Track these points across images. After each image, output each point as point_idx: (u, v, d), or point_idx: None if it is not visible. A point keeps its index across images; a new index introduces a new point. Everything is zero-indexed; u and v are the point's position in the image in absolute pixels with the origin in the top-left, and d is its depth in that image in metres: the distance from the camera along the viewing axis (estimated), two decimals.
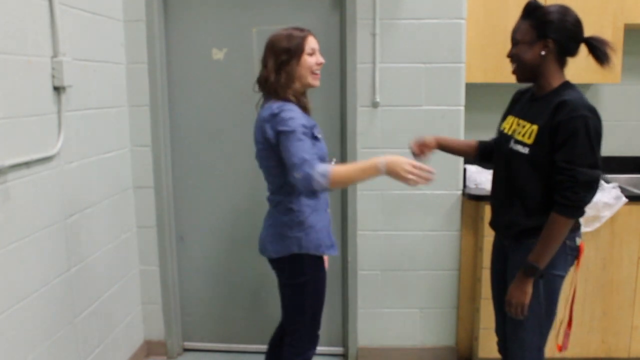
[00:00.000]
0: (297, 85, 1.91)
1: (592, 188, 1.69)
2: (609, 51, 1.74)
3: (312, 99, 2.71)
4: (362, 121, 2.67)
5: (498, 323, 2.10)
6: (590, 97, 3.09)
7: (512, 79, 1.93)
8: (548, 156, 1.72)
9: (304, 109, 1.95)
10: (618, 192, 2.54)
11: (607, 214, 2.51)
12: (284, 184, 1.90)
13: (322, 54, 1.96)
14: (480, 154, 2.13)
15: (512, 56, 1.83)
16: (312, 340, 2.06)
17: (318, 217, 1.95)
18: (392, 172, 1.75)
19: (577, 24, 1.75)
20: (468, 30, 2.61)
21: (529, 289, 1.77)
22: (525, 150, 1.77)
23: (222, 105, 2.79)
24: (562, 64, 1.79)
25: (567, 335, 2.02)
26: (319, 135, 1.93)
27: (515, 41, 1.81)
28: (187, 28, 2.75)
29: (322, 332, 2.89)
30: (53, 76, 2.03)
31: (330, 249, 2.00)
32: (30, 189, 1.92)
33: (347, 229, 2.75)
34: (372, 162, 1.77)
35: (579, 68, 2.73)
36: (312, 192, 1.90)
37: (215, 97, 2.78)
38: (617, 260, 2.61)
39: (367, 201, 2.72)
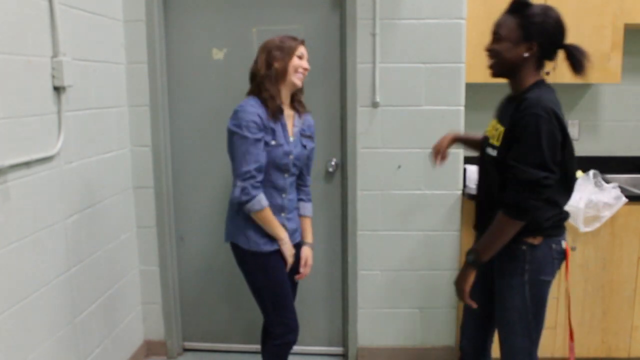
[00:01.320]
0: (281, 84, 2.04)
1: (534, 189, 1.62)
2: (585, 62, 1.71)
3: (312, 99, 2.72)
4: (362, 121, 2.66)
5: (467, 324, 2.04)
6: (590, 97, 3.11)
7: None
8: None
9: (295, 107, 2.12)
10: (618, 192, 2.54)
11: (607, 214, 2.51)
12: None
13: (317, 56, 2.07)
14: None
15: (492, 51, 1.77)
16: (286, 325, 2.12)
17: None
18: (287, 249, 2.09)
19: (559, 29, 1.71)
20: (468, 30, 2.60)
21: (470, 278, 1.77)
22: (494, 153, 1.75)
23: (222, 105, 2.78)
24: (539, 65, 1.76)
25: (571, 349, 1.96)
26: (273, 142, 2.01)
27: (498, 36, 1.74)
28: (187, 28, 2.75)
29: (322, 331, 2.91)
30: (53, 76, 2.03)
31: (260, 246, 2.05)
32: (30, 189, 1.92)
33: (347, 229, 2.75)
34: (282, 230, 2.06)
35: None
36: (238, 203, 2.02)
37: (215, 97, 2.78)
38: (617, 260, 2.61)
39: (367, 201, 2.72)
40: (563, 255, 1.79)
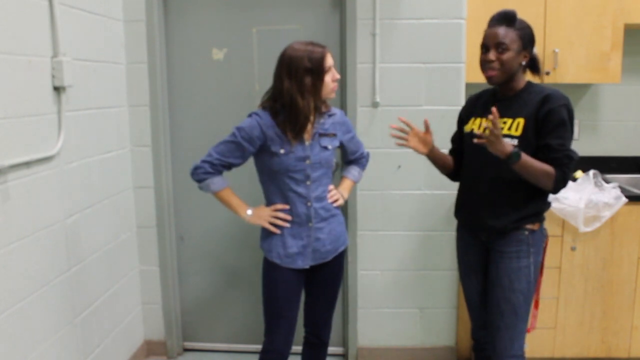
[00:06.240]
0: (312, 102, 1.90)
1: (574, 166, 1.89)
2: (541, 65, 2.01)
3: None
4: (362, 121, 2.66)
5: (476, 326, 2.16)
6: (590, 97, 3.11)
7: None
8: (534, 142, 1.84)
9: (319, 111, 1.97)
10: (618, 192, 2.54)
11: (607, 214, 2.51)
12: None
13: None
14: (454, 171, 2.17)
15: (499, 61, 1.86)
16: (268, 339, 2.06)
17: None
18: (256, 220, 2.01)
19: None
20: (468, 30, 2.60)
21: (504, 150, 1.76)
22: (515, 142, 1.85)
23: (222, 105, 2.79)
24: (525, 69, 1.98)
25: (534, 316, 2.13)
26: (282, 151, 1.92)
27: (504, 47, 1.84)
28: (187, 28, 2.75)
29: None
30: (53, 76, 2.03)
31: (281, 258, 2.00)
32: (30, 189, 1.92)
33: (347, 229, 2.74)
34: (243, 208, 2.02)
35: (579, 68, 2.75)
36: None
37: (215, 97, 2.78)
38: (617, 260, 2.61)
39: (367, 201, 2.72)
40: (546, 237, 2.03)
